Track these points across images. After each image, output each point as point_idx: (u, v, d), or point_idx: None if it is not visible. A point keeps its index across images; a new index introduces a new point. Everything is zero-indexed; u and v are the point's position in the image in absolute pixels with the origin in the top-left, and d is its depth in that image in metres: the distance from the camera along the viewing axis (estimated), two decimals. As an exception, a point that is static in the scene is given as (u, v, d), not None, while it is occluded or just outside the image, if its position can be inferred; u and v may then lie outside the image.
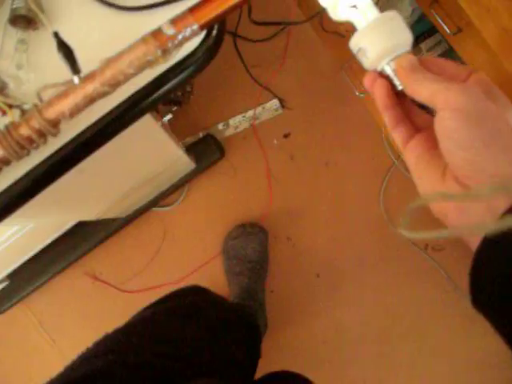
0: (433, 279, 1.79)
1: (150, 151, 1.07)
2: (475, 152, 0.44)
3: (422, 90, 0.47)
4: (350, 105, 1.77)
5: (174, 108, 1.57)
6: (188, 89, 1.56)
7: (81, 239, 1.68)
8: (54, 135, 0.56)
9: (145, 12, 0.64)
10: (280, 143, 1.76)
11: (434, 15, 1.20)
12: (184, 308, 1.08)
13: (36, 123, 0.54)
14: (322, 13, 1.51)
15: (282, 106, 1.75)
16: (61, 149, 0.62)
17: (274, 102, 1.75)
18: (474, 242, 0.47)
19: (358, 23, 0.53)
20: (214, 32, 0.62)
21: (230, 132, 1.76)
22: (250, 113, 1.75)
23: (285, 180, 1.77)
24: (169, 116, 1.44)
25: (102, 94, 0.55)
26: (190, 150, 1.65)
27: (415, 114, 0.55)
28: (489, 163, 0.44)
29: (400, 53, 0.51)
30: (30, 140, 0.55)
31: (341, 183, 1.78)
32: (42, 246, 1.60)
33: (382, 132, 1.78)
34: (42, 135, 0.56)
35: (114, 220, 1.64)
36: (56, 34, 0.55)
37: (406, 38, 0.51)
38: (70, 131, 0.62)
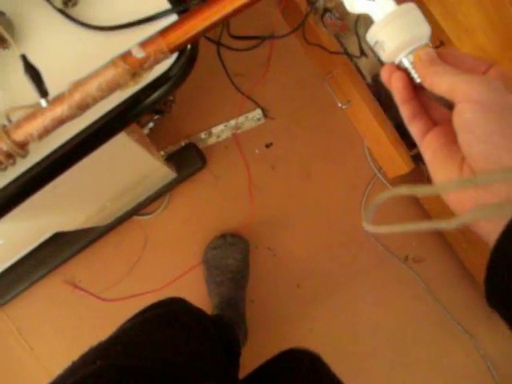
0: (413, 291, 1.80)
1: (127, 164, 1.06)
2: (494, 145, 0.43)
3: (441, 82, 0.47)
4: (333, 116, 1.78)
5: (156, 117, 1.57)
6: (170, 97, 1.56)
7: (61, 247, 1.67)
8: (23, 156, 0.56)
9: (117, 32, 0.64)
10: (262, 153, 1.76)
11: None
12: (163, 317, 1.08)
13: (4, 145, 0.54)
14: (304, 24, 1.51)
15: (265, 115, 1.75)
16: (30, 169, 0.61)
17: (257, 112, 1.75)
18: (491, 235, 0.45)
19: (375, 16, 0.52)
20: (186, 54, 0.62)
21: (212, 141, 1.75)
22: (233, 122, 1.74)
23: (266, 190, 1.77)
24: (149, 126, 1.44)
25: (71, 117, 0.54)
26: (171, 158, 1.65)
27: (432, 108, 0.54)
28: (507, 156, 0.43)
29: (418, 45, 0.50)
30: (-2, 161, 0.55)
31: (322, 194, 1.78)
32: (19, 257, 1.59)
33: (363, 143, 1.79)
34: (10, 156, 0.55)
35: (94, 228, 1.63)
36: (23, 57, 0.54)
37: (424, 30, 0.51)
38: (40, 151, 0.62)
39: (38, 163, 0.62)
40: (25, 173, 0.62)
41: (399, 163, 1.56)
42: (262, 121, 1.76)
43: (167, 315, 1.09)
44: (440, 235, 1.81)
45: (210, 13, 0.54)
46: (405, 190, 0.45)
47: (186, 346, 0.98)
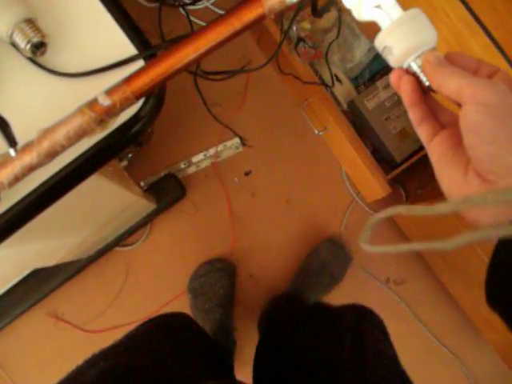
0: (396, 313, 1.81)
1: (104, 200, 1.07)
2: (499, 146, 0.44)
3: (449, 83, 0.48)
4: (310, 142, 1.80)
5: (136, 148, 1.58)
6: (148, 129, 1.57)
7: (41, 281, 1.66)
8: (-7, 204, 0.57)
9: (86, 78, 0.65)
10: (241, 181, 1.78)
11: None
12: (166, 324, 1.09)
13: (-26, 194, 0.55)
14: (278, 54, 1.54)
15: (243, 144, 1.77)
16: (3, 215, 0.62)
17: (235, 140, 1.76)
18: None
19: (382, 23, 0.54)
20: (153, 97, 0.63)
21: (191, 170, 1.77)
22: (212, 151, 1.76)
23: (247, 217, 1.78)
24: (128, 157, 1.45)
25: (40, 164, 0.55)
26: (151, 189, 1.66)
27: (440, 112, 0.55)
28: (510, 158, 0.44)
29: (425, 49, 0.51)
30: (-31, 210, 0.56)
31: (302, 220, 1.79)
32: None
33: (341, 168, 1.81)
34: (-19, 205, 0.56)
35: (75, 261, 1.63)
36: (-9, 109, 0.55)
37: (431, 34, 0.52)
38: (12, 197, 0.63)
39: (10, 209, 0.62)
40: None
41: (376, 187, 1.58)
42: (241, 149, 1.77)
43: (171, 323, 1.10)
44: (419, 257, 1.83)
45: (174, 60, 0.55)
46: (402, 210, 0.46)
47: (184, 350, 0.99)
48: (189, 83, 1.57)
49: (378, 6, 0.54)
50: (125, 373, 0.81)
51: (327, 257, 1.70)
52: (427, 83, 0.52)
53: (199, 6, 1.77)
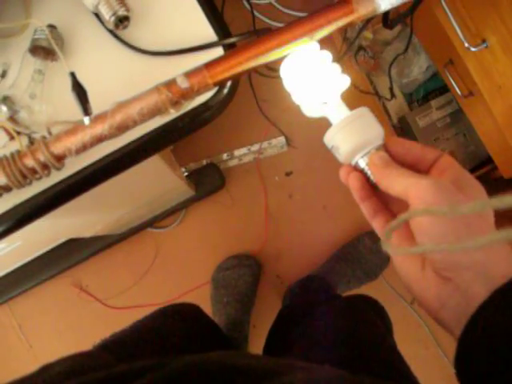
0: (415, 334, 1.79)
1: (152, 180, 1.08)
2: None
3: (395, 185, 0.48)
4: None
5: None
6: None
7: (72, 250, 1.68)
8: (58, 169, 0.57)
9: (163, 58, 0.65)
10: (281, 180, 1.77)
11: (447, 75, 1.22)
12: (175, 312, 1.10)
13: (41, 156, 0.55)
14: (338, 61, 1.53)
15: (288, 144, 1.76)
16: (63, 181, 0.63)
17: (280, 139, 1.76)
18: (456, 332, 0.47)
19: (331, 120, 0.55)
20: (226, 89, 0.63)
21: (233, 163, 1.77)
22: (256, 146, 1.75)
23: (281, 217, 1.78)
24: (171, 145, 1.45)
25: (110, 136, 0.56)
26: (191, 176, 1.66)
27: (393, 203, 0.55)
28: (463, 256, 0.44)
29: (372, 147, 0.52)
30: (34, 171, 0.56)
31: (336, 227, 1.78)
32: (31, 258, 1.60)
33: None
34: (46, 168, 0.57)
35: (107, 235, 1.64)
36: (72, 75, 0.56)
37: (377, 133, 0.53)
38: (75, 165, 0.63)
39: (71, 176, 0.63)
40: (57, 184, 0.63)
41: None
42: (285, 149, 1.77)
43: (178, 312, 1.10)
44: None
45: (257, 52, 0.55)
46: (422, 213, 0.46)
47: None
48: (242, 76, 1.57)
49: (326, 103, 0.55)
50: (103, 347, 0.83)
51: (365, 250, 1.69)
52: (374, 179, 0.52)
53: (263, 0, 1.76)
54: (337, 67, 0.56)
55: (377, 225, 0.54)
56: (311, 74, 0.55)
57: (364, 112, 0.53)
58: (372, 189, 0.54)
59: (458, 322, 0.45)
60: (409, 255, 0.50)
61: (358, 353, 0.88)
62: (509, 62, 1.01)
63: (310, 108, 0.56)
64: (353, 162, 0.54)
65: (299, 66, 0.55)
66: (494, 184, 1.56)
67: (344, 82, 0.56)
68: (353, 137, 0.52)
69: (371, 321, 1.03)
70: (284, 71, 0.56)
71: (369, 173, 0.53)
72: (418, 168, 0.52)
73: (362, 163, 0.53)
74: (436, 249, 0.44)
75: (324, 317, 1.08)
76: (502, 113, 1.08)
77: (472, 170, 1.58)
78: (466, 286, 0.45)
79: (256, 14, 1.74)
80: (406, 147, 0.52)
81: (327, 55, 0.56)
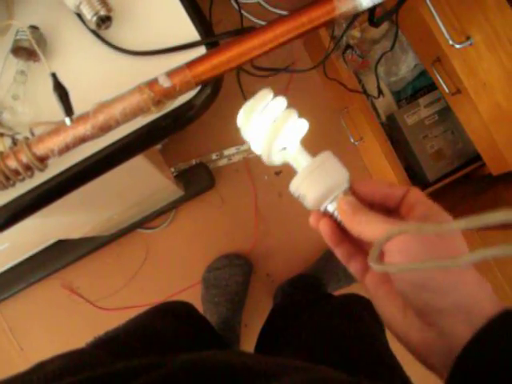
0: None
1: (138, 181, 1.07)
2: (430, 291, 0.44)
3: (366, 232, 0.47)
4: (345, 150, 1.79)
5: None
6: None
7: (62, 252, 1.67)
8: (41, 170, 0.57)
9: (145, 57, 0.65)
10: (270, 180, 1.77)
11: (434, 73, 1.22)
12: (165, 310, 1.10)
13: (24, 157, 0.55)
14: (325, 60, 1.53)
15: (277, 143, 1.76)
16: (46, 182, 0.63)
17: (270, 139, 1.75)
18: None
19: (294, 166, 0.54)
20: (209, 88, 0.63)
21: (222, 162, 1.77)
22: (245, 146, 1.75)
23: (271, 216, 1.78)
24: (160, 145, 1.45)
25: (92, 137, 0.56)
26: (181, 176, 1.66)
27: (367, 244, 0.54)
28: (445, 301, 0.44)
29: (338, 192, 0.51)
30: (17, 172, 0.56)
31: (326, 226, 1.78)
32: (19, 260, 1.60)
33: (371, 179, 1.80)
34: (29, 169, 0.56)
35: (97, 236, 1.64)
36: (53, 76, 0.56)
37: (342, 177, 0.52)
38: (58, 166, 0.63)
39: (54, 177, 0.63)
40: (41, 185, 0.63)
41: (405, 204, 1.56)
42: (274, 148, 1.76)
43: (170, 310, 1.10)
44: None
45: (240, 51, 0.55)
46: (413, 229, 0.45)
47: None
48: (231, 75, 1.57)
49: (285, 149, 0.54)
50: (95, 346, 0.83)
51: None
52: (345, 226, 0.51)
53: (251, 0, 1.76)
54: (293, 112, 0.54)
55: (352, 269, 0.54)
56: (266, 122, 0.53)
57: (326, 157, 0.53)
58: (344, 232, 0.53)
59: (445, 366, 0.44)
60: (388, 298, 0.49)
61: (350, 353, 0.88)
62: (493, 60, 1.01)
63: (270, 156, 0.54)
64: (321, 209, 0.53)
65: (254, 115, 0.53)
66: (482, 181, 1.57)
67: (302, 127, 0.55)
68: (318, 185, 0.51)
69: (363, 320, 1.03)
70: (240, 121, 0.55)
71: (339, 217, 0.52)
72: (387, 205, 0.52)
73: (331, 208, 0.52)
74: (426, 266, 0.42)
75: (315, 317, 1.08)
76: (488, 110, 1.09)
77: (460, 167, 1.58)
78: (449, 331, 0.44)
79: (244, 13, 1.74)
80: (373, 187, 0.52)
81: (282, 101, 0.55)
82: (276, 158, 0.55)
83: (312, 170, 0.52)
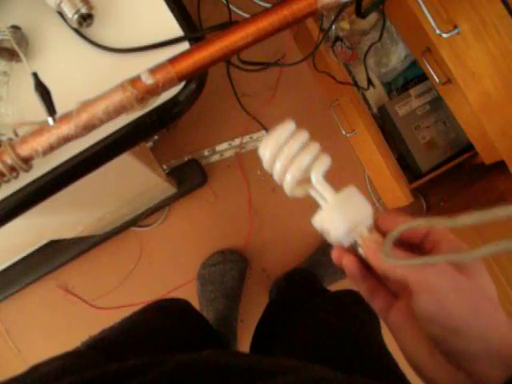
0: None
1: (128, 179, 1.07)
2: (461, 335, 0.42)
3: (393, 272, 0.46)
4: (337, 142, 1.79)
5: (161, 131, 1.57)
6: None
7: (55, 252, 1.67)
8: (26, 171, 0.56)
9: (128, 55, 0.64)
10: (263, 174, 1.77)
11: (425, 63, 1.22)
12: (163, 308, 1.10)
13: (8, 158, 0.54)
14: (314, 53, 1.53)
15: (269, 137, 1.75)
16: (32, 183, 0.62)
17: (262, 133, 1.76)
18: None
19: (318, 200, 0.53)
20: (194, 84, 0.63)
21: (215, 158, 1.76)
22: (237, 141, 1.75)
23: (265, 211, 1.78)
24: (154, 139, 1.44)
25: (76, 136, 0.55)
26: (173, 172, 1.66)
27: (392, 282, 0.53)
28: (476, 345, 0.42)
29: (363, 228, 0.51)
30: (1, 174, 0.56)
31: (320, 219, 1.78)
32: (13, 261, 1.59)
33: (365, 172, 1.80)
34: (14, 170, 0.56)
35: (90, 236, 1.64)
36: (35, 75, 0.55)
37: (366, 213, 0.52)
38: (44, 166, 0.63)
39: (40, 178, 0.62)
40: (26, 186, 0.62)
41: (399, 195, 1.57)
42: (266, 142, 1.76)
43: (166, 308, 1.10)
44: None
45: (222, 45, 0.55)
46: (423, 223, 0.45)
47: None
48: (221, 71, 1.56)
49: (308, 182, 0.54)
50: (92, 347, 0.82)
51: None
52: (371, 264, 0.50)
53: (239, -6, 1.76)
54: (316, 146, 0.54)
55: (375, 305, 0.52)
56: (289, 155, 0.53)
57: (351, 193, 0.52)
58: (367, 267, 0.52)
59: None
60: (414, 336, 0.47)
61: (344, 350, 0.88)
62: (481, 49, 1.01)
63: (292, 190, 0.54)
64: (345, 244, 0.52)
65: (276, 146, 0.53)
66: (475, 170, 1.57)
67: (325, 160, 0.54)
68: (342, 221, 0.51)
69: (358, 317, 1.03)
70: (262, 152, 0.55)
71: (363, 254, 0.51)
72: (411, 240, 0.51)
73: (355, 244, 0.52)
74: (440, 259, 0.43)
75: (311, 313, 1.08)
76: (477, 99, 1.09)
77: (453, 157, 1.58)
78: (481, 374, 0.42)
79: (233, 8, 1.73)
80: (397, 224, 0.49)
81: (304, 135, 0.55)
82: (299, 191, 0.54)
83: (336, 206, 0.51)
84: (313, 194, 0.54)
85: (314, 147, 0.54)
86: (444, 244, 0.48)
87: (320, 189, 0.53)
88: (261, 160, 0.55)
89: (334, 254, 0.54)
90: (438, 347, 0.45)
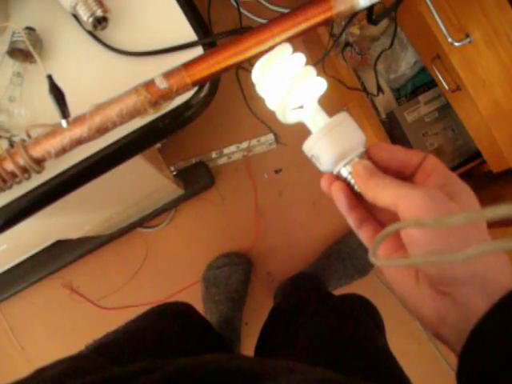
0: (407, 330, 1.79)
1: (137, 180, 1.07)
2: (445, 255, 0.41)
3: (383, 197, 0.45)
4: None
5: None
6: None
7: (62, 252, 1.67)
8: (38, 172, 0.57)
9: (142, 58, 0.65)
10: (270, 178, 1.77)
11: (434, 70, 1.22)
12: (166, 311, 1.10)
13: (21, 159, 0.55)
14: (324, 58, 1.53)
15: (277, 141, 1.76)
16: (44, 184, 0.63)
17: (269, 137, 1.76)
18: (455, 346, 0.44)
19: (310, 126, 0.53)
20: (206, 88, 0.63)
21: (222, 161, 1.76)
22: (245, 144, 1.75)
23: (271, 215, 1.78)
24: (159, 144, 1.45)
25: (89, 139, 0.55)
26: (180, 174, 1.66)
27: (379, 210, 0.52)
28: (461, 270, 0.42)
29: (354, 155, 0.50)
30: (14, 175, 0.56)
31: (326, 224, 1.78)
32: (19, 260, 1.60)
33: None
34: (26, 171, 0.56)
35: (97, 236, 1.64)
36: (49, 78, 0.55)
37: (359, 140, 0.50)
38: (56, 167, 0.63)
39: (52, 179, 0.63)
40: (38, 187, 0.62)
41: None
42: (274, 146, 1.76)
43: (168, 311, 1.10)
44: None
45: (236, 51, 0.55)
46: (412, 224, 0.43)
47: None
48: (230, 73, 1.56)
49: (301, 108, 0.53)
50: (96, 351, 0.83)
51: (356, 246, 1.69)
52: (359, 190, 0.49)
53: (250, -2, 1.76)
54: (311, 70, 0.54)
55: (363, 235, 0.52)
56: (283, 78, 0.53)
57: (344, 118, 0.51)
58: (357, 198, 0.51)
59: (459, 338, 0.43)
60: (401, 267, 0.48)
61: (348, 354, 0.87)
62: (492, 57, 1.01)
63: (285, 113, 0.53)
64: (335, 171, 0.51)
65: (270, 70, 0.53)
66: (482, 178, 1.57)
67: (320, 85, 0.54)
68: (334, 145, 0.49)
69: (363, 322, 1.02)
70: (255, 76, 0.54)
71: (352, 181, 0.50)
72: (403, 172, 0.50)
73: (345, 172, 0.50)
74: (427, 260, 0.42)
75: (315, 317, 1.08)
76: (487, 107, 1.08)
77: (461, 165, 1.58)
78: (464, 301, 0.43)
79: (243, 11, 1.74)
80: (390, 152, 0.50)
81: (300, 57, 0.55)
82: (291, 116, 0.54)
83: (329, 130, 0.50)
84: (305, 119, 0.53)
85: (310, 70, 0.54)
86: (436, 175, 0.47)
87: (313, 113, 0.53)
88: (254, 83, 0.55)
89: (323, 181, 0.53)
90: (424, 271, 0.45)
